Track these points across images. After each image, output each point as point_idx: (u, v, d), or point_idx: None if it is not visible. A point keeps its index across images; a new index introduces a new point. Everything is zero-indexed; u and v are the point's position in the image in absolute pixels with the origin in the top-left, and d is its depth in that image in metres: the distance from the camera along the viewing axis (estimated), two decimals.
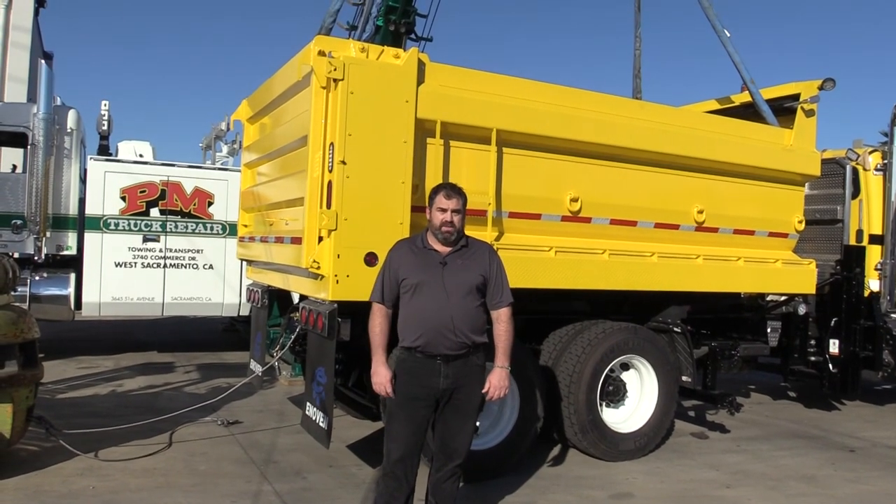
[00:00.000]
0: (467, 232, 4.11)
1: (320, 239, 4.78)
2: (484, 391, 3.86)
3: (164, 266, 10.03)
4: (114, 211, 9.81)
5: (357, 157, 4.73)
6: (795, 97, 7.17)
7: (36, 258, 9.31)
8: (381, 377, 3.79)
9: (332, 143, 4.73)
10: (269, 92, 6.12)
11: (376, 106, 4.80)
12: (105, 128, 10.72)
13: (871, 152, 8.38)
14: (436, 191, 3.91)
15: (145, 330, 13.20)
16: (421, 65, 5.00)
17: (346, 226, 4.70)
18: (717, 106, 8.05)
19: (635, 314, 6.56)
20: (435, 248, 3.83)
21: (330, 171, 4.73)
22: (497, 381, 3.87)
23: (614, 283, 5.90)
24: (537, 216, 5.60)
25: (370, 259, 4.73)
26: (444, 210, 3.79)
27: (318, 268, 4.74)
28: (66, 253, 9.65)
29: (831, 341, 7.86)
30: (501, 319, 3.88)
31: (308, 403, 5.12)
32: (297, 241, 5.09)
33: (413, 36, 11.54)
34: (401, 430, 3.75)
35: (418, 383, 3.75)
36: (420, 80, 4.98)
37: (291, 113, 5.60)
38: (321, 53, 4.75)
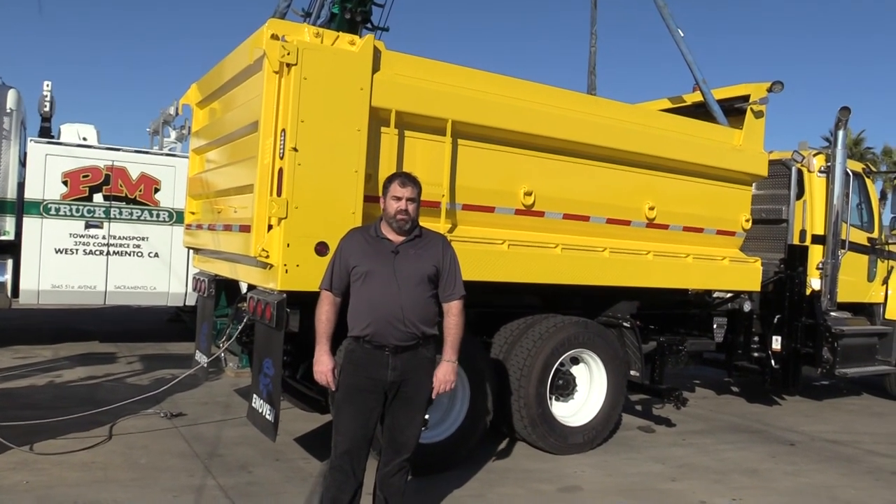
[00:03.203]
0: (421, 224, 4.06)
1: (270, 227, 4.67)
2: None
3: (108, 253, 9.70)
4: (55, 196, 9.45)
5: (309, 145, 4.63)
6: (745, 98, 7.30)
7: None
8: (323, 366, 3.71)
9: (283, 130, 4.62)
10: (220, 76, 5.95)
11: (330, 93, 4.70)
12: (47, 109, 10.29)
13: (815, 155, 8.59)
14: (390, 179, 3.84)
15: (87, 319, 12.81)
16: (377, 52, 4.92)
17: (297, 214, 4.60)
18: (669, 105, 8.16)
19: (586, 309, 6.60)
20: (388, 237, 3.76)
21: (281, 158, 4.62)
22: (443, 374, 3.80)
23: (566, 278, 5.92)
24: (491, 209, 5.58)
25: (321, 249, 4.64)
26: (398, 198, 3.71)
27: (267, 257, 4.64)
28: (3, 238, 9.26)
29: (774, 338, 8.03)
30: (452, 312, 3.83)
31: (255, 395, 5.01)
32: (245, 229, 4.97)
33: (369, 25, 11.40)
34: (348, 422, 3.67)
35: (365, 374, 3.66)
36: (375, 67, 4.90)
37: (242, 98, 5.45)
38: (274, 37, 4.63)
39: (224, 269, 6.03)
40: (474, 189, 5.46)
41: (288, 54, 4.55)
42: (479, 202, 5.51)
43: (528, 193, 5.68)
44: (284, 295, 4.63)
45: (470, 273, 5.21)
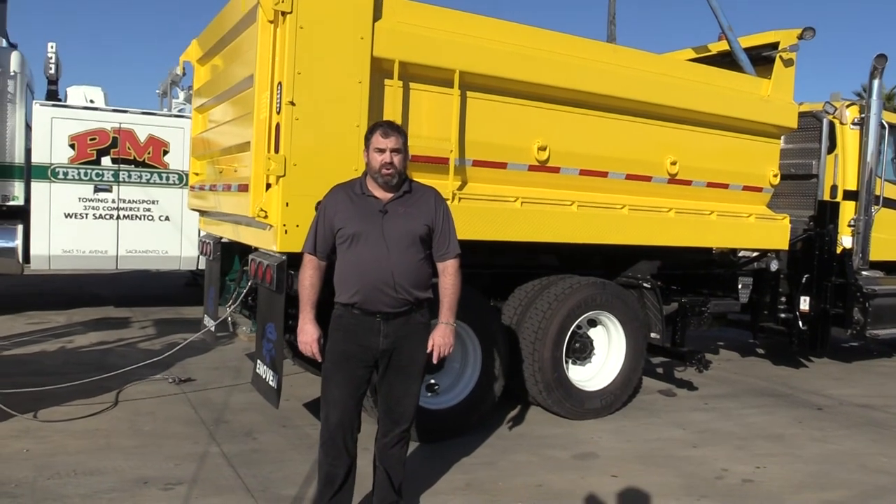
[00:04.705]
0: (429, 181, 3.80)
1: (268, 186, 4.45)
2: (428, 350, 3.53)
3: (118, 217, 9.58)
4: (62, 159, 9.30)
5: (307, 98, 4.36)
6: (774, 46, 6.89)
7: None
8: (307, 336, 3.47)
9: (279, 83, 4.36)
10: (218, 29, 5.69)
11: (328, 42, 4.42)
12: (52, 71, 10.10)
13: (848, 106, 8.16)
14: (371, 130, 3.49)
15: (103, 284, 12.77)
16: None
17: (296, 172, 4.36)
18: (693, 55, 7.75)
19: (604, 269, 6.35)
20: (374, 195, 3.45)
21: (278, 113, 4.37)
22: (441, 338, 3.52)
23: (583, 237, 5.65)
24: (503, 165, 5.30)
25: None
26: (382, 150, 3.38)
27: (266, 217, 4.42)
28: (12, 203, 9.16)
29: (802, 298, 7.76)
30: (448, 272, 3.54)
31: (258, 361, 4.85)
32: (244, 188, 4.75)
33: None
34: (338, 393, 3.43)
35: (355, 342, 3.42)
36: (377, 15, 4.60)
37: (238, 51, 5.20)
38: None
39: (228, 231, 5.84)
40: (485, 144, 5.17)
41: (282, 2, 4.27)
42: (490, 158, 5.23)
43: (543, 148, 5.39)
44: (284, 257, 4.43)
45: (481, 232, 5.00)
